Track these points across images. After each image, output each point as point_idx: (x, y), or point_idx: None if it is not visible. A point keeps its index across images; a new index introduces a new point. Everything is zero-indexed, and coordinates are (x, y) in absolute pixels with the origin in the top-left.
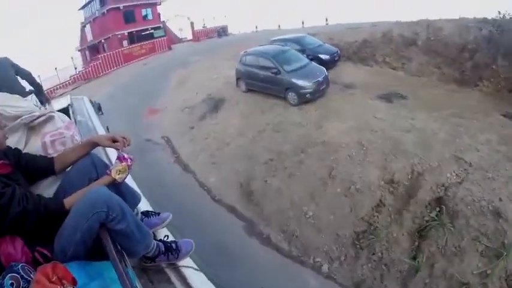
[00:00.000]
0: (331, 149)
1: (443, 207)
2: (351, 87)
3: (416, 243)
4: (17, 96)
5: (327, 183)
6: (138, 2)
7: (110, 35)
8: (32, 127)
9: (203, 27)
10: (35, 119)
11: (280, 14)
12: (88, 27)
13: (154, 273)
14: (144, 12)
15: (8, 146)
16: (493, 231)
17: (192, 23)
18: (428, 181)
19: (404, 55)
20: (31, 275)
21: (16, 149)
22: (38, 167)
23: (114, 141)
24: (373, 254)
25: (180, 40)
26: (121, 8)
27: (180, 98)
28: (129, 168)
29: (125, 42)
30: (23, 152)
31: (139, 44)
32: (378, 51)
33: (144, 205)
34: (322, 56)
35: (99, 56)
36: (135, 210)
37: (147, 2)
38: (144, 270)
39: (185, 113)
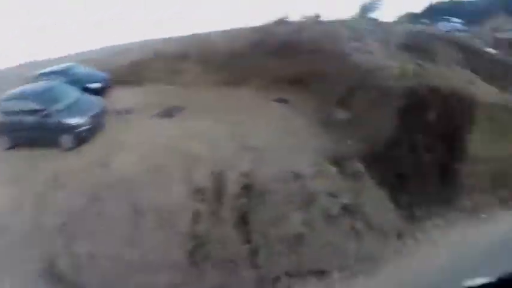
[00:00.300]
0: (129, 184)
1: (253, 191)
2: (130, 112)
3: (244, 229)
4: None
5: (138, 221)
6: None
7: None
8: None
9: None
10: None
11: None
12: None
13: None
14: None
15: None
16: (299, 188)
17: None
18: (231, 176)
19: (178, 69)
20: None
21: None
22: None
23: None
24: (213, 259)
25: None
26: None
27: None
28: None
29: None
30: None
31: None
32: (151, 70)
33: None
34: (94, 85)
35: None
36: None
37: None
38: None
39: None
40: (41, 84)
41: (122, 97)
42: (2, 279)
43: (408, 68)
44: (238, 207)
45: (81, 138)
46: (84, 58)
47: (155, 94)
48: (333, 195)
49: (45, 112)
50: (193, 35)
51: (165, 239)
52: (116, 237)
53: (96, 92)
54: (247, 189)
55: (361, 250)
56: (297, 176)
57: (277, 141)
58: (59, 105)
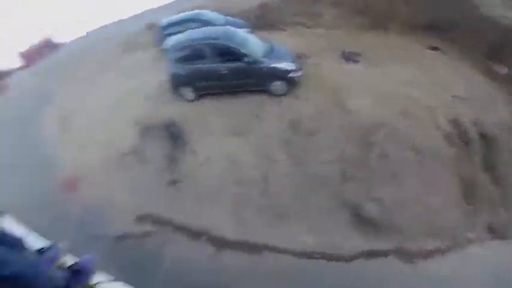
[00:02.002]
0: (389, 127)
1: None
2: (304, 57)
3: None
4: None
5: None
6: None
7: None
8: None
9: None
10: None
11: None
12: None
13: None
14: None
15: None
16: None
17: None
18: (464, 123)
19: (313, 12)
20: None
21: None
22: None
23: None
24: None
25: None
26: None
27: (91, 141)
28: None
29: None
30: None
31: None
32: (284, 14)
33: (38, 243)
34: None
35: None
36: (26, 252)
37: None
38: None
39: (130, 166)
40: (222, 29)
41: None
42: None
43: None
44: (479, 151)
45: (294, 84)
46: (186, 7)
47: (302, 37)
48: None
49: (250, 59)
50: None
51: (439, 180)
52: (413, 180)
53: None
54: (481, 136)
55: None
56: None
57: (470, 90)
58: (258, 51)
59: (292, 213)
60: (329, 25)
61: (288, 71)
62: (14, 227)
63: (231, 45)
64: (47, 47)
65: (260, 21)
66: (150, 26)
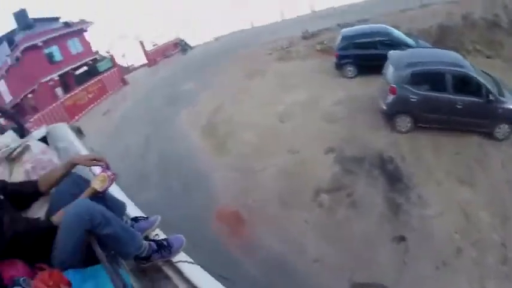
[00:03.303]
0: None
1: None
2: None
3: None
4: None
5: None
6: (59, 33)
7: (35, 86)
8: (12, 158)
9: (153, 45)
10: (13, 151)
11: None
12: (2, 83)
13: (153, 272)
14: (71, 43)
15: None
16: None
17: (141, 43)
18: None
19: (494, 40)
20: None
21: (0, 180)
22: (24, 192)
23: (96, 160)
24: None
25: (128, 69)
26: (40, 44)
27: (259, 166)
28: (111, 180)
29: (59, 90)
30: (10, 182)
31: (82, 87)
32: (464, 38)
33: (134, 212)
34: None
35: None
36: (124, 217)
37: (69, 30)
38: (144, 271)
39: (332, 208)
40: (454, 55)
41: None
42: None
43: None
44: None
45: None
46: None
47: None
48: None
49: (491, 96)
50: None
51: None
52: None
53: None
54: None
55: None
56: None
57: None
58: (497, 88)
59: None
60: (509, 57)
61: None
62: (118, 193)
63: (476, 77)
64: (174, 48)
65: (438, 44)
66: (307, 35)
